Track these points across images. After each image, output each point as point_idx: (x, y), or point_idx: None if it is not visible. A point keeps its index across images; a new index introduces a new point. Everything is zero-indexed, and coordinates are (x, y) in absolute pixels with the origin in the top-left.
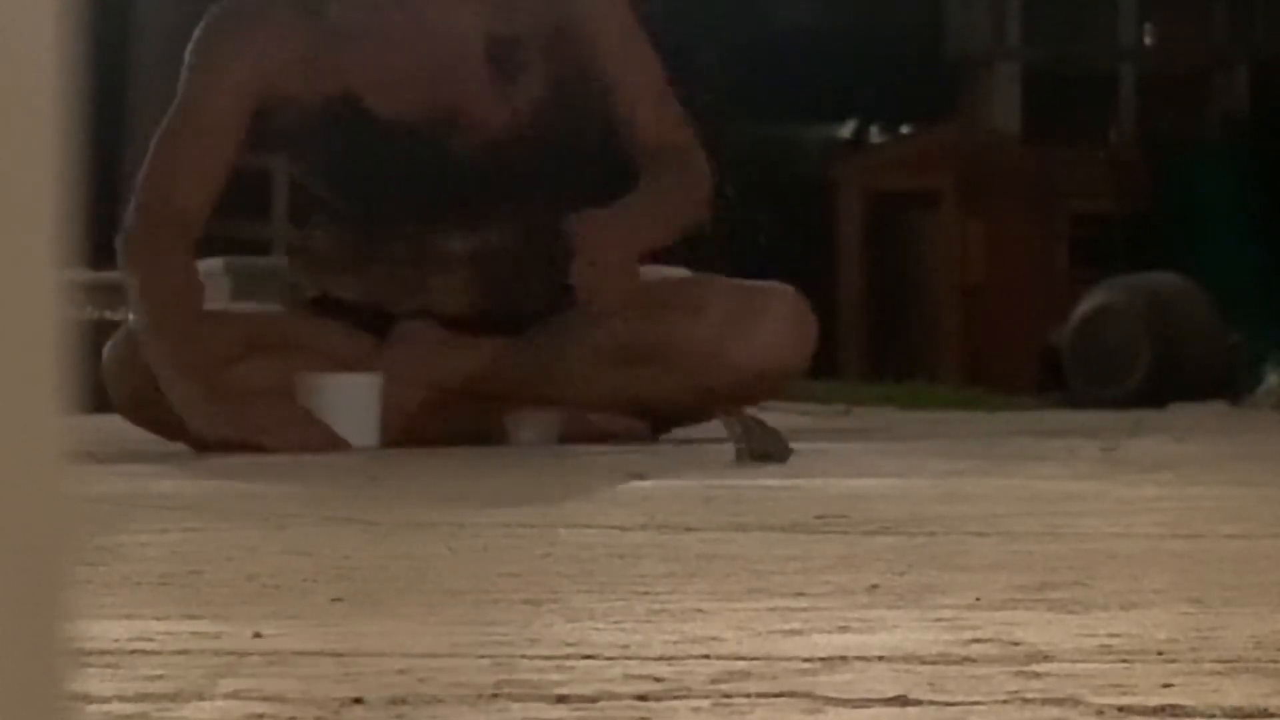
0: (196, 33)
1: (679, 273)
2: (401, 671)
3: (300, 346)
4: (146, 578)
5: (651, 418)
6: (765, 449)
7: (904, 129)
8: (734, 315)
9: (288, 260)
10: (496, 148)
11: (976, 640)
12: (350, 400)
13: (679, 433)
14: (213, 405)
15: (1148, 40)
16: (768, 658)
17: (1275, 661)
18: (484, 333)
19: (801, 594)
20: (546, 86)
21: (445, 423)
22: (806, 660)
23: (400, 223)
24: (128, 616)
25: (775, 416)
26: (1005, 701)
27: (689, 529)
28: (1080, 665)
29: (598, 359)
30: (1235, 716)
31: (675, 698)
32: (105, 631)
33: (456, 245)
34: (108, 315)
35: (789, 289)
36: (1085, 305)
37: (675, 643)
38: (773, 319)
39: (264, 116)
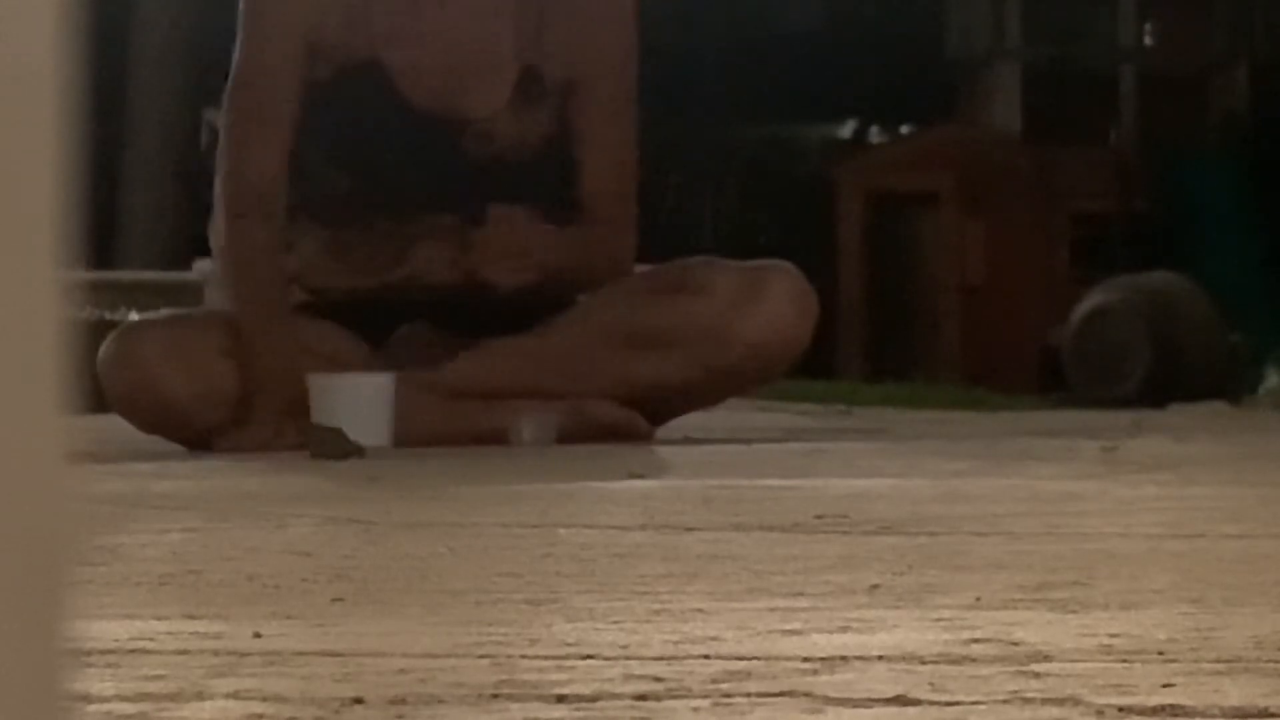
0: None
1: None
2: (401, 671)
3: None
4: (146, 578)
5: (654, 406)
6: (330, 449)
7: (904, 129)
8: (738, 294)
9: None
10: (501, 159)
11: (976, 640)
12: (363, 400)
13: (678, 433)
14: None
15: (1148, 40)
16: (768, 658)
17: (1275, 661)
18: (479, 328)
19: (801, 594)
20: (552, 124)
21: (445, 423)
22: (806, 660)
23: (390, 203)
24: (128, 616)
25: (775, 416)
26: (1005, 701)
27: (689, 529)
28: (1080, 665)
29: (602, 345)
30: (1235, 716)
31: (675, 698)
32: (105, 631)
33: (444, 219)
34: (108, 315)
35: (789, 266)
36: (1085, 305)
37: (675, 643)
38: (775, 296)
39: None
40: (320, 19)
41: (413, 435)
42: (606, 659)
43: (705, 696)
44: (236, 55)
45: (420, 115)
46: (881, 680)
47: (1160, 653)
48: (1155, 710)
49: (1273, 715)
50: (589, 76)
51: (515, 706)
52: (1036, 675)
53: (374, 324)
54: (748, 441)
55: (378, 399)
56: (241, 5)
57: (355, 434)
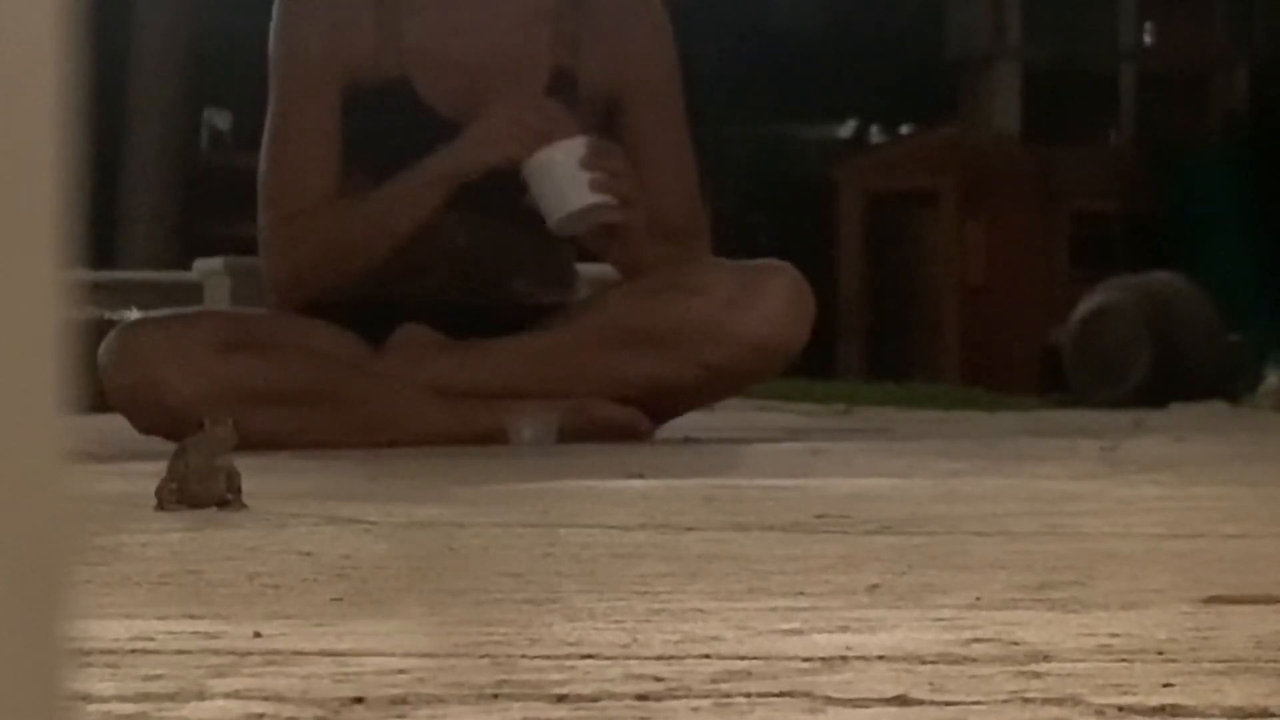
0: (276, 11)
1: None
2: (401, 671)
3: (291, 345)
4: (146, 578)
5: (653, 405)
6: (199, 497)
7: (904, 129)
8: (734, 293)
9: None
10: None
11: (976, 640)
12: (566, 166)
13: (678, 432)
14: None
15: (1148, 40)
16: (768, 658)
17: (1275, 661)
18: (479, 329)
19: (801, 594)
20: (585, 132)
21: (445, 423)
22: (806, 660)
23: None
24: (128, 616)
25: (775, 416)
26: (1005, 701)
27: (689, 529)
28: (1080, 665)
29: (599, 344)
30: (1235, 716)
31: (675, 698)
32: (105, 631)
33: (454, 217)
34: (108, 315)
35: (786, 265)
36: (1085, 305)
37: (675, 643)
38: (772, 295)
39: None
40: (355, 60)
41: (413, 435)
42: (606, 659)
43: (705, 696)
44: (273, 92)
45: (444, 122)
46: (881, 680)
47: (1160, 653)
48: (1155, 710)
49: (1273, 715)
50: (635, 95)
51: (515, 706)
52: (1036, 675)
53: (374, 325)
54: (748, 441)
55: (570, 162)
56: (272, 52)
57: (569, 201)
